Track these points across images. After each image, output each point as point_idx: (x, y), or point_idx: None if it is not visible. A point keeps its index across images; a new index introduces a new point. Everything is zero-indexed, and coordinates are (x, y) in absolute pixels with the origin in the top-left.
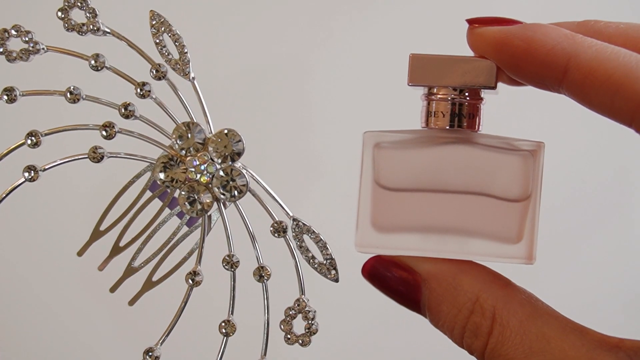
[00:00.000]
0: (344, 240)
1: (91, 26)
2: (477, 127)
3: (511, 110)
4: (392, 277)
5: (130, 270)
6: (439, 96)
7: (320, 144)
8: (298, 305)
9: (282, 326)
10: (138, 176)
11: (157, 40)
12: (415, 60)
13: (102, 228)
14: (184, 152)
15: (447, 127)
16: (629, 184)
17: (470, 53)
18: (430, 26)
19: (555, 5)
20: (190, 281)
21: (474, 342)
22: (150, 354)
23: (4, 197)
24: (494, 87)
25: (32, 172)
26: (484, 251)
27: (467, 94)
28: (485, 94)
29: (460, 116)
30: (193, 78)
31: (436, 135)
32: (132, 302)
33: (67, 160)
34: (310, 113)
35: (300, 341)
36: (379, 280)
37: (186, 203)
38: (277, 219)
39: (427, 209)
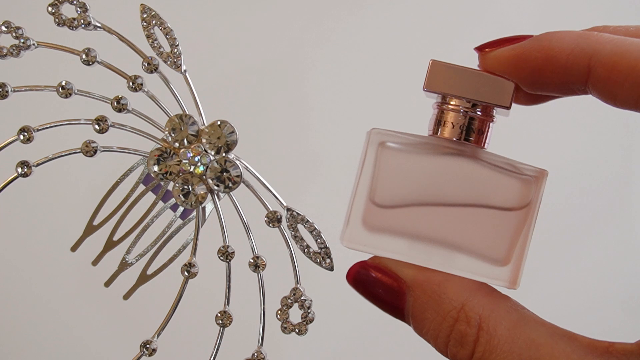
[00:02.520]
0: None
1: (82, 21)
2: (483, 144)
3: (515, 134)
4: (377, 283)
5: (124, 264)
6: (450, 106)
7: (319, 140)
8: (294, 294)
9: (278, 315)
10: (131, 170)
11: (148, 34)
12: (435, 67)
13: (95, 223)
14: (177, 144)
15: (454, 139)
16: (627, 187)
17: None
18: (434, 25)
19: (559, 12)
20: (185, 273)
21: (460, 350)
22: (147, 346)
23: None
24: (508, 108)
25: (25, 167)
26: (469, 268)
27: (479, 109)
28: (497, 112)
29: (469, 130)
30: (185, 70)
31: (442, 144)
32: (127, 296)
33: (60, 155)
34: (310, 109)
35: (296, 330)
36: (363, 286)
37: (180, 195)
38: (271, 209)
39: (420, 217)
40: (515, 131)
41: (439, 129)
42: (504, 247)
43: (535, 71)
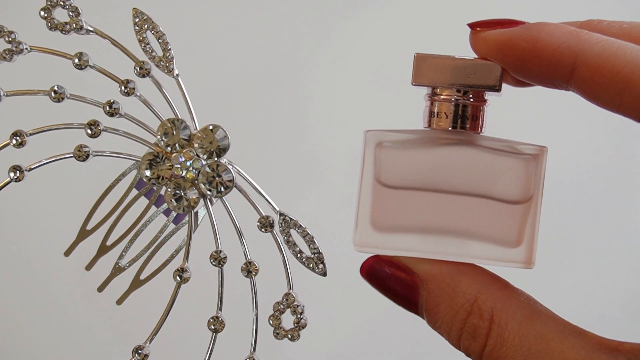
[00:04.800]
0: (340, 238)
1: (74, 25)
2: (479, 129)
3: (511, 112)
4: (390, 278)
5: (117, 269)
6: (442, 97)
7: (318, 144)
8: (286, 300)
9: (270, 321)
10: (124, 175)
11: (141, 38)
12: (420, 60)
13: (88, 227)
14: (169, 148)
15: (450, 128)
16: (629, 184)
17: (474, 55)
18: (430, 24)
19: (556, 6)
20: (178, 278)
21: (472, 343)
22: (139, 352)
23: None
24: (499, 90)
25: (18, 172)
26: (483, 254)
27: (470, 95)
28: (489, 96)
29: (463, 118)
30: (177, 75)
31: (438, 136)
32: (120, 302)
33: (52, 159)
34: (308, 112)
35: (289, 336)
36: (377, 280)
37: (172, 199)
38: (263, 214)
39: (428, 210)
40: (511, 110)
41: (434, 121)
42: (514, 229)
43: (520, 60)
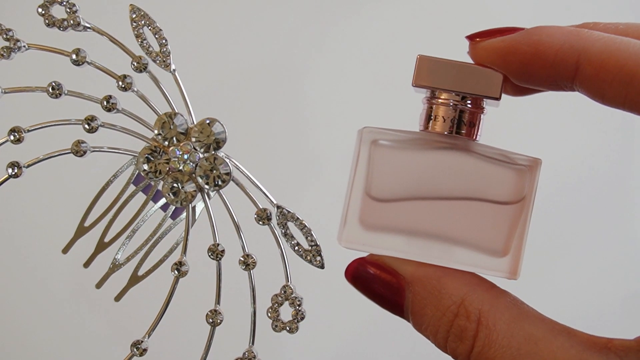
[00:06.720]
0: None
1: (71, 21)
2: (475, 136)
3: (507, 122)
4: (375, 280)
5: (115, 266)
6: (440, 100)
7: (316, 140)
8: (285, 292)
9: (269, 314)
10: (121, 170)
11: (137, 33)
12: (422, 62)
13: (86, 224)
14: (166, 142)
15: (446, 133)
16: (626, 187)
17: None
18: (429, 25)
19: (554, 8)
20: (176, 272)
21: (459, 345)
22: (138, 346)
23: None
24: (498, 99)
25: (16, 168)
26: (468, 261)
27: (469, 101)
28: (487, 104)
29: (460, 123)
30: (174, 70)
31: (434, 139)
32: (118, 298)
33: (50, 155)
34: (307, 108)
35: (287, 328)
36: (362, 283)
37: (170, 193)
38: (261, 207)
39: (417, 212)
40: (507, 121)
41: (430, 124)
42: (502, 238)
43: (524, 65)
